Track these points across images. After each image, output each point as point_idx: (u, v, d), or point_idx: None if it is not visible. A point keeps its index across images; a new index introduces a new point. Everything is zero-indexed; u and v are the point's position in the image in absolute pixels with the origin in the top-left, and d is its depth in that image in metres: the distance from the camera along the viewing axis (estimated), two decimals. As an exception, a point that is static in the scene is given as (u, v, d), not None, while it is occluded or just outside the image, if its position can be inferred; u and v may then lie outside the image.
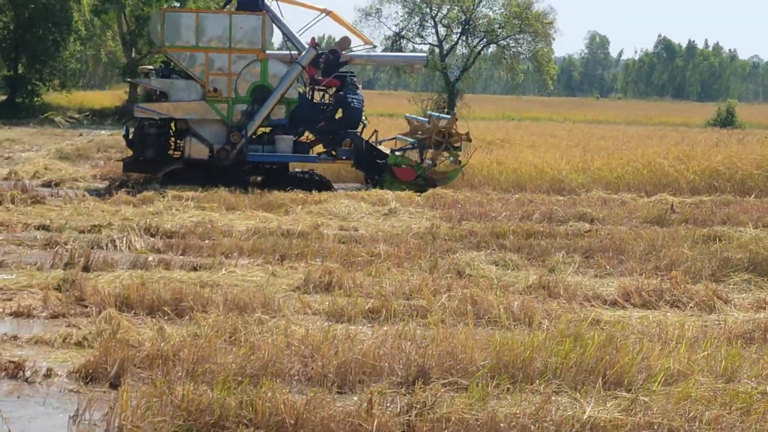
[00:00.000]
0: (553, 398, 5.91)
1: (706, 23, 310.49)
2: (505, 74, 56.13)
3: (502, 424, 5.47)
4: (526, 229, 12.83)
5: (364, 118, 18.42)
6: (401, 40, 48.94)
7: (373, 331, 7.38)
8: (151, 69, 18.46)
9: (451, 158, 18.15)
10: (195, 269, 9.85)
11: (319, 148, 18.43)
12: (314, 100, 18.29)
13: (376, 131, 19.03)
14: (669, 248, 11.29)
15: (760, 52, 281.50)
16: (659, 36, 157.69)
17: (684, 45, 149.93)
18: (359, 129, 18.11)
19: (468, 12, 47.49)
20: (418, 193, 16.10)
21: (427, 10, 48.34)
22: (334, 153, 17.96)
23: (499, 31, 47.87)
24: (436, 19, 48.53)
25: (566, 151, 22.24)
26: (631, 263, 10.71)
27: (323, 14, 18.90)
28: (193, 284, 8.84)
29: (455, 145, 18.07)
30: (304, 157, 17.97)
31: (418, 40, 49.21)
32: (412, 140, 18.81)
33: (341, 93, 17.86)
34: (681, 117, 51.14)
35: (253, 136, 17.54)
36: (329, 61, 18.17)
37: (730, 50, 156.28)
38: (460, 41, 48.94)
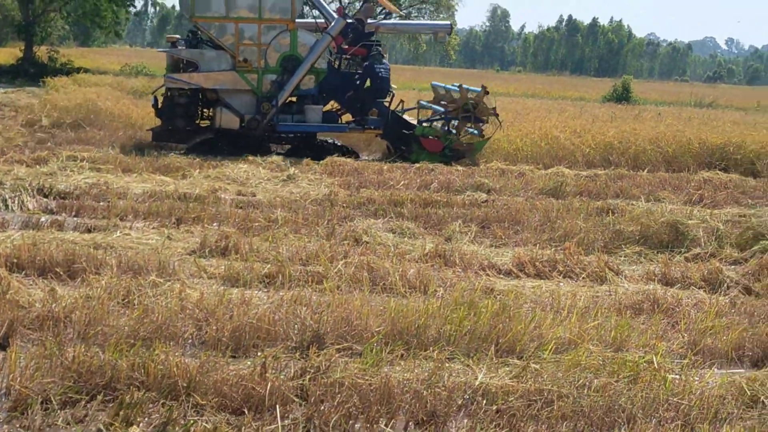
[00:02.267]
0: (447, 365, 5.97)
1: (605, 3, 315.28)
2: (407, 44, 56.15)
3: (395, 390, 5.50)
4: (424, 198, 12.89)
5: (392, 87, 18.52)
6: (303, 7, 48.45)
7: (268, 296, 7.35)
8: (178, 38, 18.37)
9: (476, 131, 18.27)
10: (89, 231, 9.66)
11: (348, 117, 18.53)
12: (342, 70, 18.31)
13: (402, 101, 19.04)
14: (564, 220, 11.46)
15: (657, 30, 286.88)
16: (561, 15, 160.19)
17: (587, 23, 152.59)
18: (387, 99, 18.23)
19: (371, -20, 47.25)
20: (317, 162, 16.05)
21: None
22: (362, 124, 18.09)
23: (402, 1, 47.87)
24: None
25: (466, 122, 22.36)
26: (526, 234, 10.86)
27: None
28: (86, 246, 8.67)
29: (482, 118, 18.12)
30: (334, 126, 18.16)
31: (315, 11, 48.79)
32: (436, 108, 18.99)
33: (369, 63, 17.95)
34: (579, 92, 51.87)
35: (283, 106, 17.61)
36: (356, 30, 18.23)
37: (627, 26, 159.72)
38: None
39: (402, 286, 7.91)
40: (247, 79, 17.39)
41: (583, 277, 9.08)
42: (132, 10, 53.22)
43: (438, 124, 18.43)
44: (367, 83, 18.04)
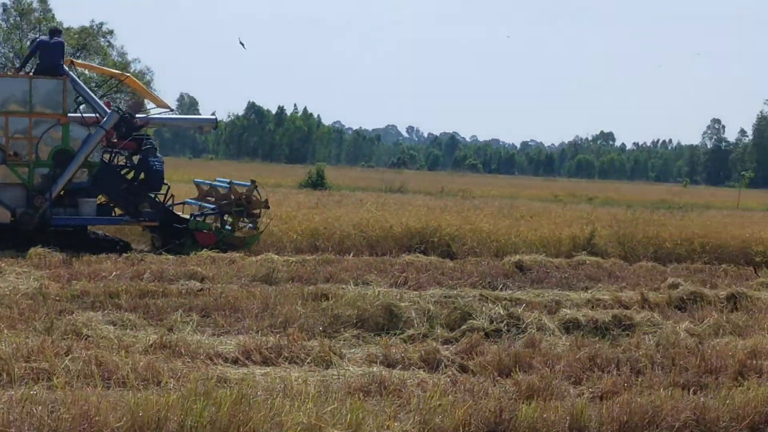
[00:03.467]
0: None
1: (294, 91, 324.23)
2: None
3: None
4: (140, 288, 12.67)
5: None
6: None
7: (-2, 396, 6.99)
8: None
9: (250, 225, 18.36)
10: None
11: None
12: (115, 163, 18.13)
13: (172, 195, 18.87)
14: (282, 306, 11.64)
15: (343, 118, 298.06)
16: (249, 102, 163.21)
17: (274, 111, 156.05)
18: (162, 191, 18.21)
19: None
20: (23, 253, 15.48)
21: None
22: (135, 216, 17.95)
23: (96, 89, 47.03)
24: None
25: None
26: (248, 321, 10.93)
27: (120, 79, 19.42)
28: None
29: (254, 211, 18.31)
30: (109, 219, 17.94)
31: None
32: (205, 205, 19.12)
33: (142, 156, 17.76)
34: (275, 178, 52.67)
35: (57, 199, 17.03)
36: (128, 124, 18.01)
37: (317, 115, 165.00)
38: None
39: (134, 379, 7.74)
40: (17, 172, 16.98)
41: (309, 362, 9.25)
42: None
43: (210, 219, 18.62)
44: (141, 176, 18.09)
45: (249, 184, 18.86)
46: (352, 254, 18.08)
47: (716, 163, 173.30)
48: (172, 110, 21.90)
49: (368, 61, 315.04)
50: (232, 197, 18.51)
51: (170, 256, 16.30)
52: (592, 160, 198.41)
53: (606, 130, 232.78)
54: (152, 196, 18.38)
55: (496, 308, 11.72)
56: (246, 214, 18.50)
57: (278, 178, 52.76)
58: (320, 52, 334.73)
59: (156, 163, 18.08)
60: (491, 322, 11.32)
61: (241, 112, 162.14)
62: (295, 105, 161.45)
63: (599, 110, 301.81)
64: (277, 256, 16.91)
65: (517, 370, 9.02)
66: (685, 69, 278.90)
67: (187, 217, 18.70)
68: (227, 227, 18.37)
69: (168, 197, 18.79)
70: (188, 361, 8.80)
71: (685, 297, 14.30)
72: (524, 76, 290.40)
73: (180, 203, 19.73)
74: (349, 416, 7.02)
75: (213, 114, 23.85)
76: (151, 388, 7.56)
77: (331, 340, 10.25)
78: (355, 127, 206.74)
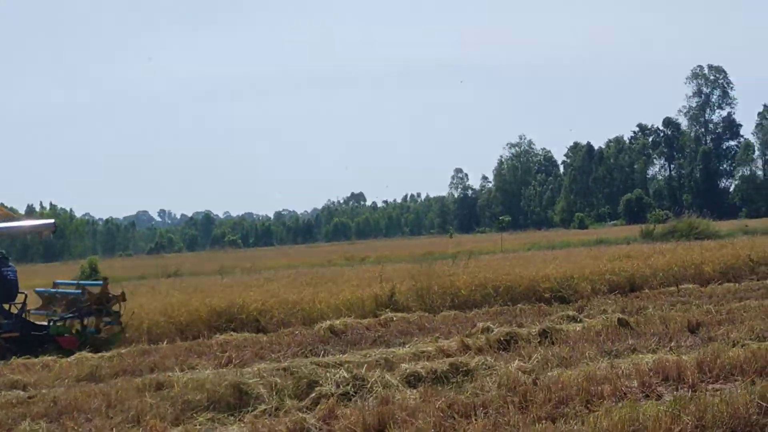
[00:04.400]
0: None
1: (41, 188, 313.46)
2: None
3: None
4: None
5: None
6: None
7: None
8: None
9: (113, 322, 18.08)
10: None
11: None
12: None
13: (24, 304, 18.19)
14: (131, 400, 11.45)
15: (92, 210, 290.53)
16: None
17: (23, 210, 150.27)
18: (18, 301, 17.84)
19: None
20: None
21: None
22: None
23: None
24: None
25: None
26: (98, 420, 10.63)
27: None
28: None
29: (113, 309, 18.10)
30: None
31: None
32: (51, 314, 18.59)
33: None
34: (40, 279, 50.70)
35: None
36: None
37: (70, 209, 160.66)
38: None
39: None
40: None
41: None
42: None
43: (72, 322, 18.25)
44: None
45: (101, 283, 18.88)
46: (166, 341, 17.89)
47: (465, 211, 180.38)
48: (13, 216, 21.23)
49: (108, 150, 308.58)
50: (87, 299, 18.28)
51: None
52: (348, 222, 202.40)
53: (356, 191, 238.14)
54: (6, 307, 17.92)
55: (340, 372, 11.98)
56: (105, 312, 18.31)
57: (45, 279, 50.78)
58: (58, 145, 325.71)
59: (9, 272, 17.89)
60: (338, 386, 11.56)
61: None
62: (41, 203, 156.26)
63: (348, 173, 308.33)
64: (91, 354, 16.53)
65: (391, 426, 9.32)
66: (425, 122, 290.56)
67: (45, 324, 18.27)
68: (91, 329, 18.12)
69: (23, 306, 18.41)
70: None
71: (501, 338, 15.06)
72: (266, 149, 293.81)
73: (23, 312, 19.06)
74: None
75: (53, 221, 22.93)
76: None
77: (185, 426, 10.21)
78: (105, 217, 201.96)
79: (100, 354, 16.62)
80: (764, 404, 8.89)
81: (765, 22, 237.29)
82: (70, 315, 18.67)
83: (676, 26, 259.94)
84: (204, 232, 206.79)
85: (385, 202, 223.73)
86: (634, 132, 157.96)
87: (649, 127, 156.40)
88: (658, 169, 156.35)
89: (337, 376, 11.83)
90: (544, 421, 9.09)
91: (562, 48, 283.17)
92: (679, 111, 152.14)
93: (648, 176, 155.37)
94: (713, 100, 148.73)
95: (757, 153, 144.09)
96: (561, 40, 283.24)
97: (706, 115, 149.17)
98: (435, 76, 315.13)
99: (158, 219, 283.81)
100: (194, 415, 10.75)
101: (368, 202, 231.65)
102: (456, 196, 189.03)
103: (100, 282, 19.22)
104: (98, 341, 17.97)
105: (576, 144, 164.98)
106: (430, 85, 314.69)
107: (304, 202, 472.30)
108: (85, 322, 18.31)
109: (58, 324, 18.26)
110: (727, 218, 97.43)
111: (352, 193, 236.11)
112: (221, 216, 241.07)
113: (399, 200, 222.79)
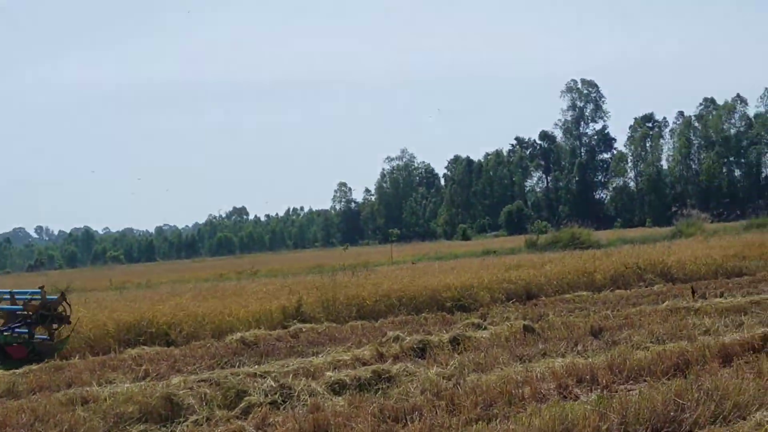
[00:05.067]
0: None
1: None
2: None
3: None
4: None
5: None
6: None
7: None
8: None
9: (64, 322, 18.47)
10: None
11: None
12: None
13: None
14: (59, 414, 11.49)
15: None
16: None
17: None
18: None
19: None
20: None
21: None
22: None
23: None
24: None
25: None
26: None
27: None
28: None
29: (60, 311, 18.41)
30: None
31: None
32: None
33: None
34: None
35: None
36: None
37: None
38: None
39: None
40: None
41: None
42: None
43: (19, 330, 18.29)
44: None
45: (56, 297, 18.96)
46: (77, 357, 17.82)
47: (349, 224, 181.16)
48: None
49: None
50: (29, 309, 18.44)
51: None
52: (231, 237, 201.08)
53: (238, 206, 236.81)
54: None
55: (267, 381, 12.28)
56: (51, 318, 18.48)
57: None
58: None
59: None
60: (266, 395, 11.86)
61: None
62: None
63: (229, 186, 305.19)
64: (2, 371, 16.39)
65: None
66: (313, 135, 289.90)
67: None
68: (42, 336, 18.33)
69: None
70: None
71: (415, 346, 15.51)
72: (142, 162, 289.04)
73: None
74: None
75: None
76: None
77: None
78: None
79: (11, 371, 16.48)
80: (680, 401, 9.54)
81: (635, 37, 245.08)
82: (18, 324, 18.64)
83: (552, 40, 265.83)
84: (84, 249, 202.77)
85: (268, 216, 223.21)
86: (512, 145, 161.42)
87: (527, 140, 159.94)
88: (535, 181, 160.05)
89: (265, 385, 12.12)
90: (476, 423, 9.55)
91: (442, 63, 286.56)
92: (555, 124, 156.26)
93: (526, 188, 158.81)
94: (587, 113, 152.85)
95: (629, 165, 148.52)
96: (439, 54, 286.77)
97: (581, 128, 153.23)
98: (312, 90, 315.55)
99: (35, 236, 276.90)
100: (127, 427, 10.89)
101: (251, 216, 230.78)
102: (339, 209, 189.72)
103: (37, 291, 19.15)
104: (44, 348, 18.07)
105: (456, 157, 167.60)
106: (307, 98, 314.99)
107: (185, 217, 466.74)
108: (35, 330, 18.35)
109: (5, 334, 18.24)
110: (604, 228, 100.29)
111: (234, 208, 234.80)
112: (101, 232, 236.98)
113: (281, 214, 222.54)
